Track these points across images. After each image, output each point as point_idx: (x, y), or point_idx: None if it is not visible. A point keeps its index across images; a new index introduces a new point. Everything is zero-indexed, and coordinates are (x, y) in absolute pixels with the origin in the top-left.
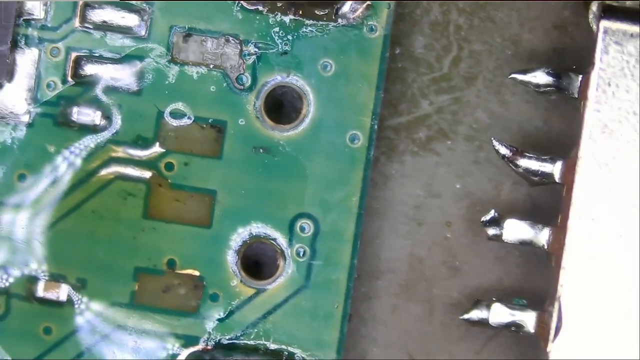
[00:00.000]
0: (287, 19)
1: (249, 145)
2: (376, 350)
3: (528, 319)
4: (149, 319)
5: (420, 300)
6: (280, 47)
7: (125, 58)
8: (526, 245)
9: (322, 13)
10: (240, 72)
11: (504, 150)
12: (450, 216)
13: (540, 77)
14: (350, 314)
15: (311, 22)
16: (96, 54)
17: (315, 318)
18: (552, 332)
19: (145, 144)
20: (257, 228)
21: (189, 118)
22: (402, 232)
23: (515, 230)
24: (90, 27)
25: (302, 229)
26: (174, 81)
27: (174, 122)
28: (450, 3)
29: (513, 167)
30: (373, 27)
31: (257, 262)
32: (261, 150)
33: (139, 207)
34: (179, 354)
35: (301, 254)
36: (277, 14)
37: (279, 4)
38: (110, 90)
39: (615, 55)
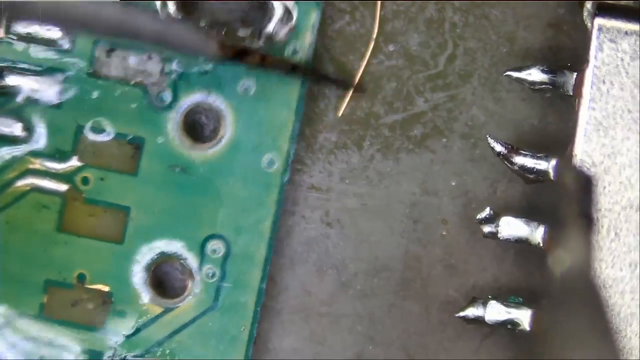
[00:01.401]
0: None
1: (165, 163)
2: (373, 348)
3: (524, 317)
4: (56, 332)
5: (416, 298)
6: (201, 67)
7: (47, 70)
8: (522, 243)
9: (245, 35)
10: (161, 89)
11: (499, 148)
12: (446, 214)
13: (535, 75)
14: (255, 336)
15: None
16: (19, 66)
17: (221, 340)
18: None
19: (62, 157)
20: (169, 246)
21: (108, 133)
22: (398, 230)
23: (511, 228)
24: (15, 38)
25: (213, 251)
26: (95, 96)
27: (94, 137)
28: (446, 1)
29: (508, 165)
30: (295, 49)
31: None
32: (178, 169)
33: (53, 220)
34: None
35: (211, 275)
36: None
37: (202, 24)
38: (31, 102)
39: (609, 52)
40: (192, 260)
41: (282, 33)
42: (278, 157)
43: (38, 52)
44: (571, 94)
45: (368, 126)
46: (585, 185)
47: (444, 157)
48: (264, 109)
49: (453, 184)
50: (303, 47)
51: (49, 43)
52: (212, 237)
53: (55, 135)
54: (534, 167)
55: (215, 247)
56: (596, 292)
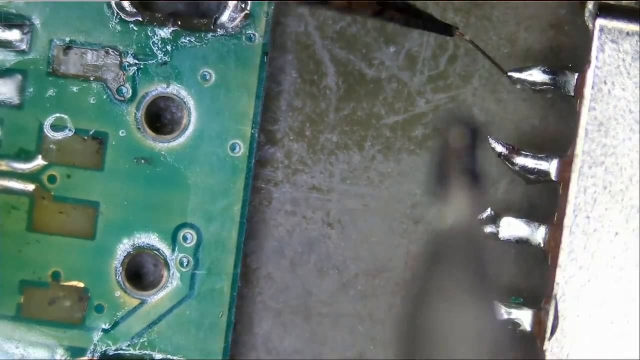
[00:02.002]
0: (166, 29)
1: (130, 156)
2: (374, 348)
3: (524, 318)
4: (35, 332)
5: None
6: (159, 58)
7: (6, 72)
8: (523, 244)
9: (200, 23)
10: (120, 83)
11: (500, 149)
12: None
13: (536, 75)
14: (235, 322)
15: (190, 32)
16: None
17: (200, 327)
18: (548, 330)
19: (27, 157)
20: (141, 239)
21: (70, 130)
22: (399, 230)
23: (512, 228)
24: None
25: (185, 239)
26: (54, 94)
27: (55, 135)
28: (446, 2)
29: (509, 165)
30: (251, 36)
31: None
32: (143, 161)
33: (23, 220)
34: None
35: (185, 264)
36: (155, 25)
37: (158, 15)
38: None
39: (611, 53)
40: (165, 251)
41: (237, 21)
42: (242, 142)
43: None
44: (572, 94)
45: (369, 127)
46: (470, 140)
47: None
48: (225, 95)
49: None
50: (260, 33)
51: (5, 45)
52: (183, 226)
53: (18, 136)
54: (535, 168)
55: (187, 235)
56: (477, 249)
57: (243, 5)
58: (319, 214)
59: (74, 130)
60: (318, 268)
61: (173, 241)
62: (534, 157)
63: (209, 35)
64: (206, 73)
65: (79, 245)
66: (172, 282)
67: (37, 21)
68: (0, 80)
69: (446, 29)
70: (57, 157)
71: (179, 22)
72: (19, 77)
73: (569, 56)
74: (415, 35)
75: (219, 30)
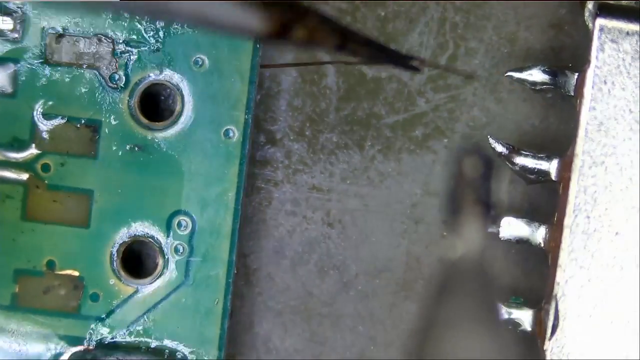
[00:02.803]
0: None
1: (124, 144)
2: (374, 349)
3: (525, 318)
4: (30, 321)
5: (417, 299)
6: (152, 45)
7: None
8: (523, 244)
9: None
10: (113, 70)
11: (500, 148)
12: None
13: (536, 75)
14: (231, 311)
15: None
16: None
17: (196, 315)
18: (549, 330)
19: (21, 146)
20: (135, 227)
21: (62, 118)
22: (399, 230)
23: (512, 228)
24: None
25: (180, 226)
26: (47, 82)
27: (48, 123)
28: (447, 1)
29: (510, 165)
30: None
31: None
32: (136, 149)
33: (17, 209)
34: (62, 354)
35: (180, 251)
36: None
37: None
38: None
39: (611, 53)
40: (159, 238)
41: None
42: (236, 128)
43: None
44: (572, 94)
45: (369, 126)
46: (484, 171)
47: (445, 157)
48: (218, 81)
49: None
50: None
51: None
52: (177, 213)
53: (11, 125)
54: (535, 168)
55: (182, 222)
56: (487, 282)
57: None
58: (319, 214)
59: (66, 118)
60: (318, 268)
61: (168, 228)
62: (534, 156)
63: None
64: (199, 59)
65: (74, 234)
66: (167, 270)
67: (29, 10)
68: None
69: (410, 65)
70: (50, 146)
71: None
72: (11, 65)
73: (569, 56)
74: (416, 35)
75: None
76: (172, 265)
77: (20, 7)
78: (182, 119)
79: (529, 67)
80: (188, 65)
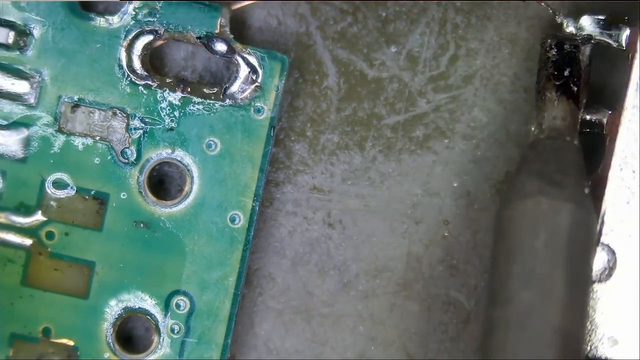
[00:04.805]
0: (175, 95)
1: (130, 219)
2: (374, 349)
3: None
4: None
5: (418, 299)
6: (166, 123)
7: (12, 124)
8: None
9: (210, 92)
10: (125, 145)
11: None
12: (447, 215)
13: (587, 25)
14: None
15: (199, 100)
16: None
17: None
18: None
19: (27, 211)
20: (134, 302)
21: (72, 188)
22: (400, 230)
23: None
24: None
25: (178, 306)
26: (59, 151)
27: (57, 192)
28: (448, 2)
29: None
30: (260, 108)
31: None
32: (142, 225)
33: (18, 274)
34: None
35: (176, 331)
36: (165, 90)
37: (168, 80)
38: None
39: None
40: (157, 316)
41: (247, 92)
42: (242, 214)
43: (3, 106)
44: (624, 47)
45: (370, 127)
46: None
47: (445, 158)
48: (229, 166)
49: (455, 184)
50: (268, 107)
51: (14, 97)
52: (176, 292)
53: (19, 189)
54: (590, 119)
55: (180, 302)
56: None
57: (254, 77)
58: (320, 215)
59: (75, 189)
60: (319, 268)
61: (166, 307)
62: (586, 110)
63: (218, 104)
64: (212, 142)
65: (72, 304)
66: (161, 348)
67: (47, 76)
68: (6, 132)
69: None
70: (57, 214)
71: (189, 89)
72: (24, 130)
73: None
74: (417, 36)
75: (228, 100)
76: (167, 344)
77: (39, 73)
78: (190, 199)
79: (581, 15)
80: (200, 147)
